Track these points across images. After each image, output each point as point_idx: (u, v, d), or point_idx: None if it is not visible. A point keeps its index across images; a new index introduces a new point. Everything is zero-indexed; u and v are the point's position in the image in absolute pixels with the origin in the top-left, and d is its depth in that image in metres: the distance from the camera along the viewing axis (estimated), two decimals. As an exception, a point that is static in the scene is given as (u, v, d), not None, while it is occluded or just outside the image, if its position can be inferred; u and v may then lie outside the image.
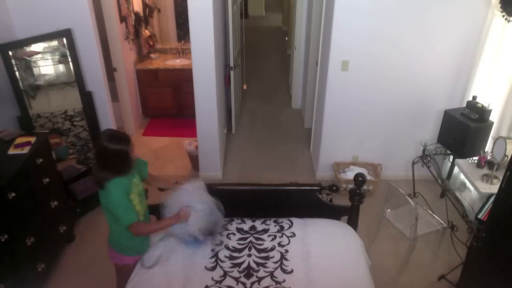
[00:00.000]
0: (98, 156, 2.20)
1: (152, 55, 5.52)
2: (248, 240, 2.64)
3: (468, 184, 3.46)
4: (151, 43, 5.55)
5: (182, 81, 5.15)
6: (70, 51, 3.60)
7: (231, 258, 2.51)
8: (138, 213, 2.32)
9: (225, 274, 2.40)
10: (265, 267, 2.45)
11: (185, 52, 5.52)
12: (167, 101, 5.43)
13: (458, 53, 3.71)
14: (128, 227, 2.26)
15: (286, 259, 2.51)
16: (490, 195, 2.84)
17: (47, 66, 3.69)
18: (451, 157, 3.80)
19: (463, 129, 3.46)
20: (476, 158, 3.42)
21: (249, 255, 2.53)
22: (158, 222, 2.53)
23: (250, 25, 9.83)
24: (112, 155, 2.15)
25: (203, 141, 4.15)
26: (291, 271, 2.42)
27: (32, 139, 2.98)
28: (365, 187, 3.57)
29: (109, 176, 2.18)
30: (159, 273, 2.39)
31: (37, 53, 3.57)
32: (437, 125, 3.92)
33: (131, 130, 5.19)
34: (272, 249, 2.57)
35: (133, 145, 2.25)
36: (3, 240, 2.51)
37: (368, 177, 4.06)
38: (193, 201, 2.46)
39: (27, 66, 3.53)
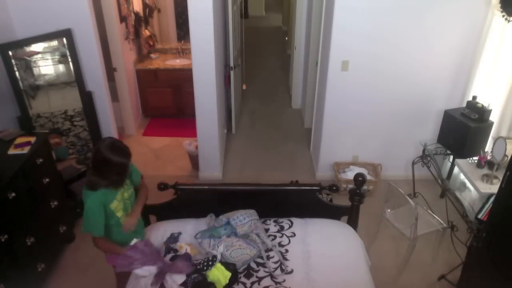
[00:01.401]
0: (96, 164, 2.12)
1: (152, 55, 5.52)
2: (248, 240, 2.64)
3: (468, 184, 3.46)
4: (151, 43, 5.55)
5: (182, 81, 5.15)
6: (70, 51, 3.60)
7: (231, 258, 2.50)
8: (119, 219, 2.29)
9: (225, 274, 2.40)
10: (265, 267, 2.45)
11: (185, 52, 5.52)
12: (167, 101, 5.43)
13: (458, 53, 3.71)
14: (92, 238, 2.24)
15: (286, 259, 2.51)
16: (490, 195, 2.84)
17: (47, 66, 3.69)
18: (451, 157, 3.80)
19: (463, 129, 3.46)
20: (476, 158, 3.42)
21: (249, 255, 2.53)
22: (115, 247, 2.35)
23: (250, 25, 9.82)
24: (111, 167, 2.10)
25: (203, 141, 4.15)
26: (291, 271, 2.42)
27: (32, 139, 2.97)
28: (365, 187, 3.58)
29: (102, 184, 2.14)
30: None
31: (37, 53, 3.57)
32: (437, 125, 3.92)
33: (131, 130, 5.19)
34: (272, 249, 2.57)
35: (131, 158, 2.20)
36: (3, 240, 2.51)
37: (368, 177, 4.06)
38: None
39: (27, 66, 3.53)
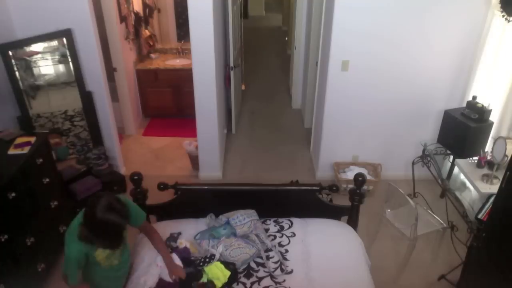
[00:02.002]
0: (92, 227, 1.88)
1: (152, 55, 5.52)
2: (248, 240, 2.64)
3: (468, 184, 3.46)
4: (151, 43, 5.55)
5: (182, 81, 5.15)
6: (70, 51, 3.60)
7: (231, 258, 2.50)
8: (99, 264, 2.11)
9: (225, 274, 2.40)
10: (265, 267, 2.45)
11: (185, 52, 5.52)
12: (167, 101, 5.43)
13: (458, 53, 3.71)
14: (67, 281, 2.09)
15: (286, 259, 2.51)
16: (490, 195, 2.84)
17: (47, 66, 3.69)
18: (451, 157, 3.80)
19: (463, 129, 3.46)
20: (476, 158, 3.41)
21: (249, 255, 2.53)
22: None
23: (250, 25, 9.83)
24: (109, 229, 1.88)
25: (203, 141, 4.15)
26: (291, 271, 2.42)
27: (32, 139, 2.97)
28: (365, 187, 3.58)
29: (98, 244, 1.98)
30: (160, 273, 2.39)
31: (37, 53, 3.57)
32: (437, 125, 3.92)
33: (131, 130, 5.19)
34: (272, 249, 2.57)
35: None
36: (3, 240, 2.51)
37: (368, 177, 4.05)
38: None
39: (27, 66, 3.53)
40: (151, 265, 2.41)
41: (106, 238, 1.93)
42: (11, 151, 2.84)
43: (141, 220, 2.28)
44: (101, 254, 2.10)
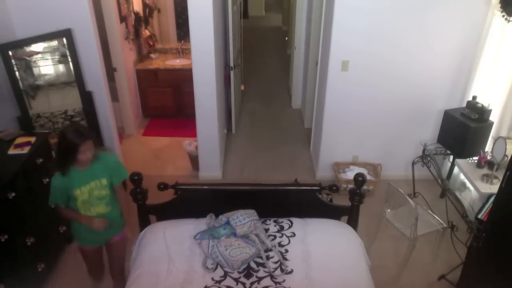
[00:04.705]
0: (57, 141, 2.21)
1: (152, 55, 5.52)
2: (248, 240, 2.64)
3: (468, 184, 3.46)
4: (151, 43, 5.55)
5: (182, 81, 5.16)
6: (70, 51, 3.60)
7: (231, 258, 2.50)
8: (77, 207, 2.35)
9: (225, 275, 2.40)
10: (265, 267, 2.45)
11: (185, 52, 5.52)
12: (167, 101, 5.43)
13: (458, 53, 3.71)
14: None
15: (286, 259, 2.51)
16: (490, 195, 2.84)
17: (47, 66, 3.69)
18: (451, 157, 3.80)
19: (463, 129, 3.46)
20: (476, 158, 3.42)
21: (249, 255, 2.53)
22: (74, 214, 2.40)
23: (250, 25, 9.84)
24: (63, 141, 2.13)
25: (203, 141, 4.15)
26: (291, 271, 2.42)
27: (32, 139, 2.98)
28: (365, 187, 3.58)
29: (57, 167, 2.24)
30: (160, 272, 2.39)
31: (37, 53, 3.57)
32: (437, 125, 3.92)
33: (131, 130, 5.19)
34: (272, 249, 2.57)
35: (91, 148, 2.18)
36: (3, 240, 2.51)
37: (368, 177, 4.05)
38: None
39: (27, 66, 3.53)
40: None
41: (61, 152, 2.18)
42: (11, 151, 2.84)
43: (121, 178, 2.46)
44: (80, 196, 2.30)
